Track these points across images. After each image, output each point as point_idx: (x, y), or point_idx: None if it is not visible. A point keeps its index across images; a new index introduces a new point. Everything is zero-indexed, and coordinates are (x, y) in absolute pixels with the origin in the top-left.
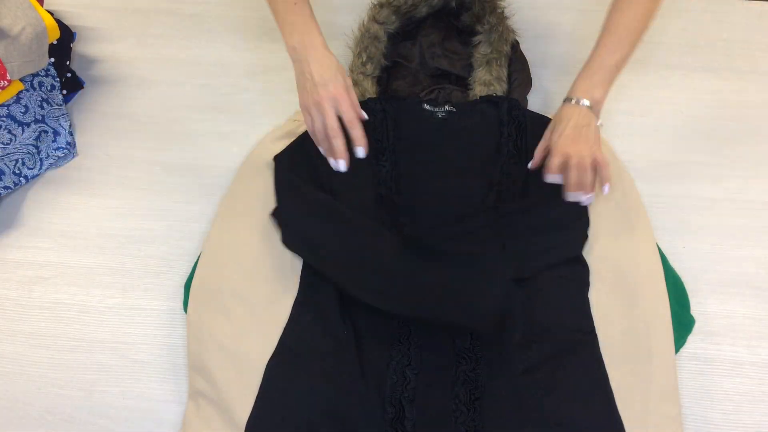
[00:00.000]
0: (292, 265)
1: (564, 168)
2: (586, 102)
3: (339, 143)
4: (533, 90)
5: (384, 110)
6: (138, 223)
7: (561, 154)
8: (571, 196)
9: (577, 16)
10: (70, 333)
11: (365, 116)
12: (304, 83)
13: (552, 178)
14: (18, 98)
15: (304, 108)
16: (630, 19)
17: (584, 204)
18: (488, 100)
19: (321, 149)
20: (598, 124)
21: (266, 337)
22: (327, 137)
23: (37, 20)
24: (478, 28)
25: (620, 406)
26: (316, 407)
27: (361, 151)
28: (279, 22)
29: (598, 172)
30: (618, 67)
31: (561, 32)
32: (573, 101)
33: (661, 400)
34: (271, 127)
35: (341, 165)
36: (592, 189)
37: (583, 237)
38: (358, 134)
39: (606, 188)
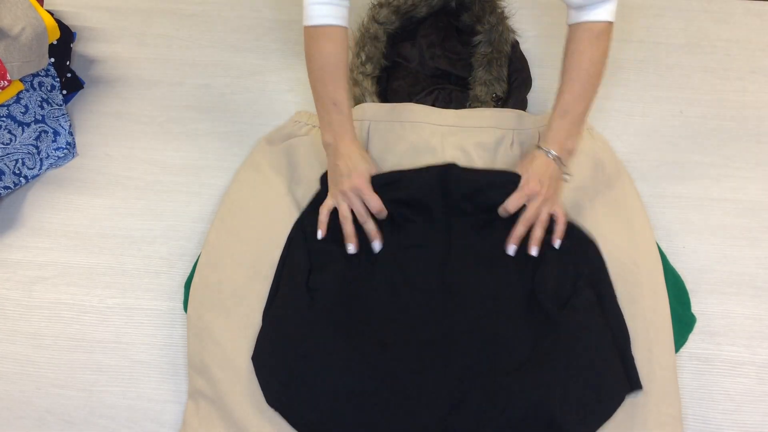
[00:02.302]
0: None
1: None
2: (555, 153)
3: (369, 227)
4: (533, 90)
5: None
6: (138, 223)
7: (522, 196)
8: (510, 248)
9: None
10: (70, 333)
11: (384, 212)
12: (334, 175)
13: (503, 211)
14: (18, 98)
15: (334, 197)
16: (589, 63)
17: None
18: None
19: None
20: (566, 176)
21: None
22: (349, 222)
23: (37, 20)
24: (478, 27)
25: (620, 406)
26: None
27: (377, 245)
28: (319, 118)
29: (554, 226)
30: (585, 114)
31: (561, 32)
32: (544, 151)
33: (661, 399)
34: (271, 127)
35: (351, 248)
36: (539, 244)
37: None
38: (371, 228)
39: (557, 243)
